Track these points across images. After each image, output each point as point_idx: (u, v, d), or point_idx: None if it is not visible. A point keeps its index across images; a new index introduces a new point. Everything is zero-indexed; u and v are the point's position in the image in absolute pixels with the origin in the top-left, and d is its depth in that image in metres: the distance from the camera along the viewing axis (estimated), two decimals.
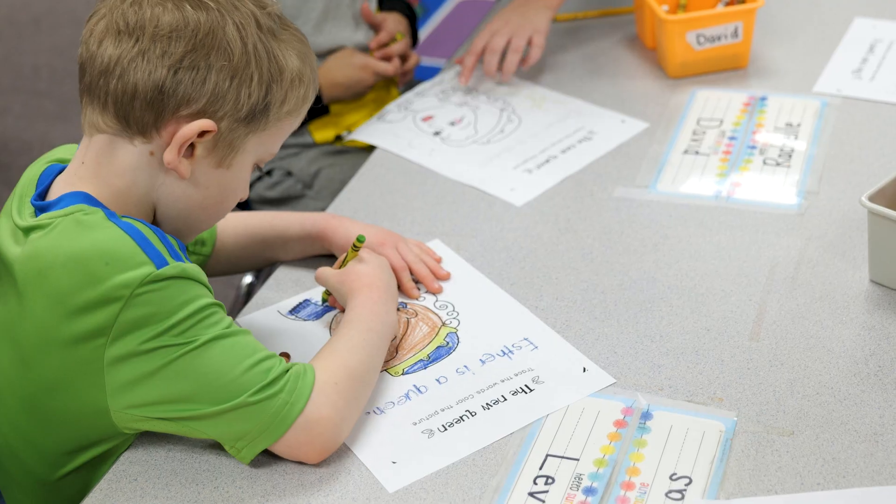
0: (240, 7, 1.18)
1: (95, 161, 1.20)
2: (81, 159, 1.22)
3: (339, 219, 1.51)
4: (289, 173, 2.08)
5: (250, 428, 1.16)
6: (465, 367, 1.34)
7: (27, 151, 3.30)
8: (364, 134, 1.84)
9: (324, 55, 2.03)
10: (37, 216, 1.19)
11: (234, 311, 2.02)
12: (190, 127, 1.16)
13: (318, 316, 1.43)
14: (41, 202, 1.21)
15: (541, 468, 1.19)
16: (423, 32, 3.86)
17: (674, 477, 1.17)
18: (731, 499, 1.14)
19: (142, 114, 1.16)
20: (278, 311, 1.45)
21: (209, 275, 1.56)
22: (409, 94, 1.93)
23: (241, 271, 1.60)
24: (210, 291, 1.19)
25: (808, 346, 1.32)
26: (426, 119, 1.84)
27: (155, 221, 1.24)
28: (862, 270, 1.43)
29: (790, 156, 1.67)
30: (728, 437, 1.21)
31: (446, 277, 1.48)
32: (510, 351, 1.36)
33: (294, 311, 1.45)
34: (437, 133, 1.80)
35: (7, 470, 1.31)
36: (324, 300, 1.45)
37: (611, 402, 1.26)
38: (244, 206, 2.16)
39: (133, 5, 1.16)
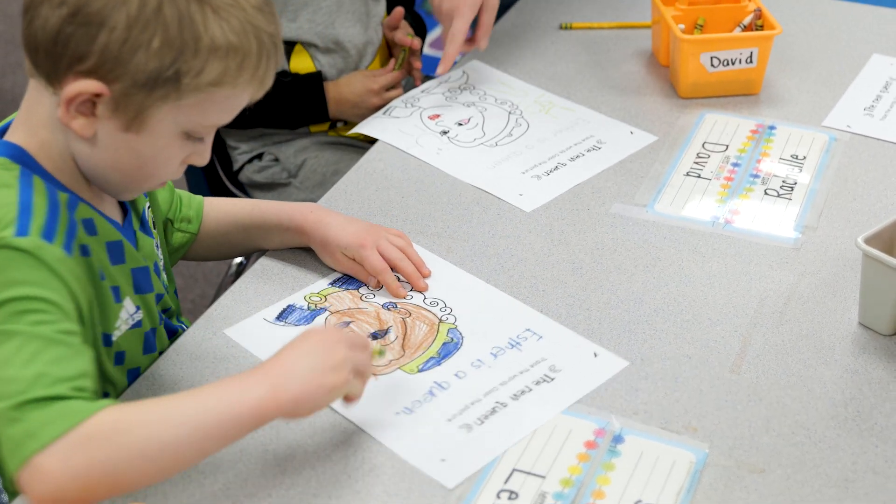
0: None
1: (27, 108, 1.20)
2: (23, 103, 1.21)
3: (319, 213, 1.49)
4: (276, 159, 2.07)
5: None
6: (479, 360, 1.35)
7: None
8: (369, 128, 1.83)
9: (331, 49, 2.02)
10: None
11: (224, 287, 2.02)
12: (73, 86, 1.13)
13: (309, 320, 1.42)
14: None
15: (506, 482, 1.18)
16: (437, 30, 3.84)
17: None
18: None
19: (44, 63, 1.14)
20: (264, 319, 1.42)
21: (194, 259, 1.56)
22: (415, 91, 1.92)
23: (224, 257, 1.58)
24: (64, 285, 1.12)
25: (789, 384, 1.31)
26: (433, 117, 1.83)
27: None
28: (852, 312, 1.41)
29: (792, 188, 1.66)
30: (698, 469, 1.20)
31: (429, 274, 1.48)
32: (517, 343, 1.37)
33: (280, 317, 1.42)
34: (444, 132, 1.79)
35: None
36: (309, 305, 1.43)
37: (583, 421, 1.26)
38: (240, 188, 2.16)
39: None
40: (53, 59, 1.14)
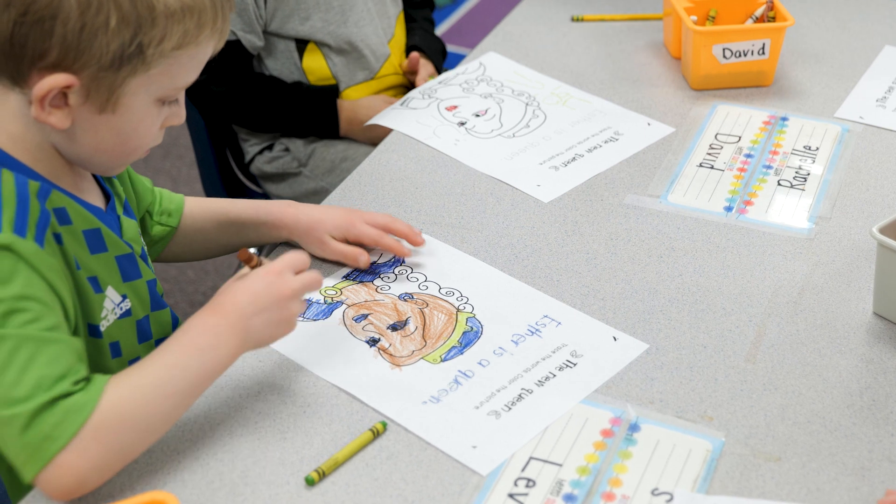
0: None
1: None
2: None
3: (296, 206, 1.49)
4: (286, 149, 2.08)
5: (10, 454, 1.10)
6: (501, 348, 1.36)
7: None
8: (387, 119, 1.83)
9: (345, 50, 2.02)
10: None
11: None
12: (43, 83, 1.13)
13: (327, 314, 1.42)
14: None
15: (523, 470, 1.19)
16: (450, 21, 3.85)
17: (656, 492, 1.16)
18: (712, 496, 1.14)
19: (6, 65, 1.14)
20: None
21: (173, 260, 1.55)
22: (432, 83, 1.92)
23: (201, 257, 1.56)
24: (42, 280, 1.13)
25: (804, 373, 1.32)
26: (450, 108, 1.84)
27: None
28: (866, 302, 1.42)
29: (805, 179, 1.67)
30: (714, 457, 1.20)
31: (421, 240, 1.50)
32: (537, 330, 1.38)
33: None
34: (461, 123, 1.80)
35: None
36: (325, 299, 1.44)
37: (599, 410, 1.26)
38: (252, 180, 2.16)
39: None
40: (14, 60, 1.13)
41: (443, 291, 1.45)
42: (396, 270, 1.48)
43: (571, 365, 1.33)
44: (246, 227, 1.50)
